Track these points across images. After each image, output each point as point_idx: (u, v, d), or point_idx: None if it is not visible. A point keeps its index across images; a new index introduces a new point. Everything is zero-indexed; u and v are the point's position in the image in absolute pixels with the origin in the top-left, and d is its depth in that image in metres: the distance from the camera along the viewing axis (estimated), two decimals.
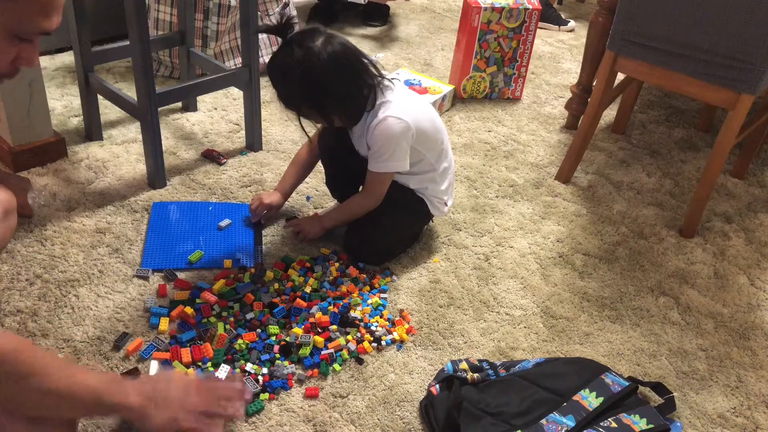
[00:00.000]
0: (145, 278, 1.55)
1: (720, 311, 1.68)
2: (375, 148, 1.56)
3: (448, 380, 1.33)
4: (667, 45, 1.78)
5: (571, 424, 1.26)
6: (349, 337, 1.44)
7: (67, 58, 2.46)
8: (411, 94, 1.69)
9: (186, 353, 1.34)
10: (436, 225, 1.83)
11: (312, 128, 1.64)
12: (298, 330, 1.43)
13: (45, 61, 2.40)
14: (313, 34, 1.48)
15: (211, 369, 1.32)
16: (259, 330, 1.43)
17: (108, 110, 2.17)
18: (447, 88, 2.44)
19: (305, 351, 1.38)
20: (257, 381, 1.32)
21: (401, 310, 1.54)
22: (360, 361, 1.41)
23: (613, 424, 1.28)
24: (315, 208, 1.85)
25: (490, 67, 2.53)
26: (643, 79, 2.01)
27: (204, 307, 1.45)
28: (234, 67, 2.29)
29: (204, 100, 2.32)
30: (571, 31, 3.39)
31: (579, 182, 2.12)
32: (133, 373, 1.30)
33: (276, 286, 1.54)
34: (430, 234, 1.80)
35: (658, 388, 1.40)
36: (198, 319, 1.44)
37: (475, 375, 1.34)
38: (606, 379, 1.36)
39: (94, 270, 1.56)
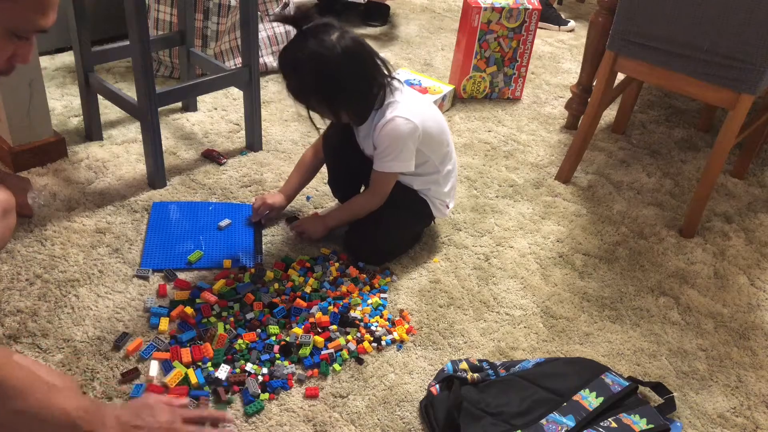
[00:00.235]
0: (145, 278, 1.55)
1: (720, 311, 1.67)
2: (381, 148, 1.56)
3: (448, 380, 1.33)
4: (667, 45, 1.78)
5: (571, 424, 1.26)
6: (349, 337, 1.44)
7: (67, 58, 2.46)
8: (418, 95, 1.69)
9: (186, 353, 1.34)
10: (436, 225, 1.83)
11: (320, 123, 1.63)
12: (298, 330, 1.43)
13: (45, 61, 2.40)
14: (328, 27, 1.47)
15: (211, 369, 1.32)
16: (259, 330, 1.43)
17: (108, 110, 2.17)
18: (447, 88, 2.44)
19: (305, 351, 1.38)
20: (257, 381, 1.31)
21: (401, 310, 1.54)
22: (360, 361, 1.41)
23: (613, 424, 1.28)
24: (315, 208, 1.85)
25: (490, 67, 2.53)
26: (643, 79, 2.01)
27: (204, 307, 1.45)
28: (234, 67, 2.29)
29: (204, 100, 2.32)
30: (571, 31, 3.39)
31: (579, 182, 2.12)
32: (133, 373, 1.30)
33: (276, 286, 1.54)
34: (430, 234, 1.80)
35: (658, 388, 1.40)
36: (198, 319, 1.44)
37: (475, 375, 1.34)
38: (606, 379, 1.36)
39: (94, 270, 1.56)
